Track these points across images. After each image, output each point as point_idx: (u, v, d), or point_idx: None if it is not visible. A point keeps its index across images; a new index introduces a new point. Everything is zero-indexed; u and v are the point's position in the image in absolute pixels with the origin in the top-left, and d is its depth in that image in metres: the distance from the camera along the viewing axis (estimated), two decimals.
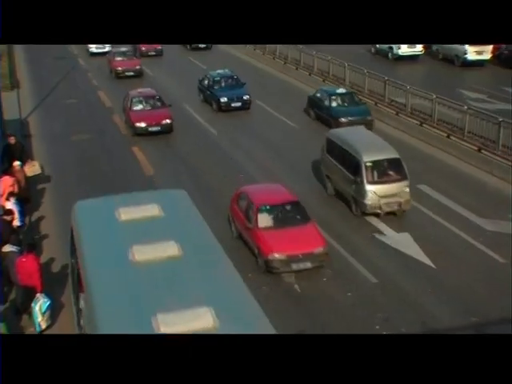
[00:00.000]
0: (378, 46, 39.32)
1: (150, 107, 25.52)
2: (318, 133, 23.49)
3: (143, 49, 40.65)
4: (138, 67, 35.04)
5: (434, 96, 23.80)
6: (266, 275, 14.66)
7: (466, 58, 35.49)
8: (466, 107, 22.64)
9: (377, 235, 16.58)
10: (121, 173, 21.19)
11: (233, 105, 27.90)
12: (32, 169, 18.86)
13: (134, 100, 25.51)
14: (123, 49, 36.26)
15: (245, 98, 28.09)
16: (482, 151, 21.07)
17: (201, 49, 42.74)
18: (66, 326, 12.23)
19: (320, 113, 25.96)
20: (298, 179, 20.18)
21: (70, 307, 12.42)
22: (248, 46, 40.73)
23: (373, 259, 15.45)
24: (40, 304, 12.12)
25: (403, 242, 16.09)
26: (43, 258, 14.97)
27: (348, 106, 25.35)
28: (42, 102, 29.97)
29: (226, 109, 27.80)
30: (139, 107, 25.39)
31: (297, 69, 34.87)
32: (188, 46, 42.81)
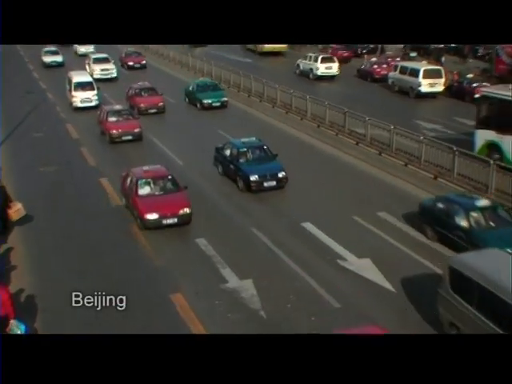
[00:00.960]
0: (301, 67, 46.08)
1: (161, 191, 19.93)
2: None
3: (142, 105, 34.42)
4: (137, 130, 29.20)
5: (392, 127, 24.78)
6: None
7: (420, 90, 37.03)
8: (422, 137, 23.70)
9: None
10: (88, 203, 21.60)
11: (265, 184, 22.28)
12: (17, 212, 18.84)
13: (140, 182, 19.81)
14: (118, 107, 31.02)
15: (280, 175, 22.46)
16: (438, 179, 21.97)
17: (214, 108, 35.57)
18: None
19: (445, 232, 17.24)
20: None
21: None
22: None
23: None
24: (18, 329, 12.22)
25: (364, 266, 16.63)
26: (12, 289, 15.09)
27: (497, 228, 16.43)
28: (10, 134, 30.15)
29: (256, 189, 22.26)
30: (147, 191, 19.79)
31: (260, 101, 35.82)
32: (198, 105, 35.92)
